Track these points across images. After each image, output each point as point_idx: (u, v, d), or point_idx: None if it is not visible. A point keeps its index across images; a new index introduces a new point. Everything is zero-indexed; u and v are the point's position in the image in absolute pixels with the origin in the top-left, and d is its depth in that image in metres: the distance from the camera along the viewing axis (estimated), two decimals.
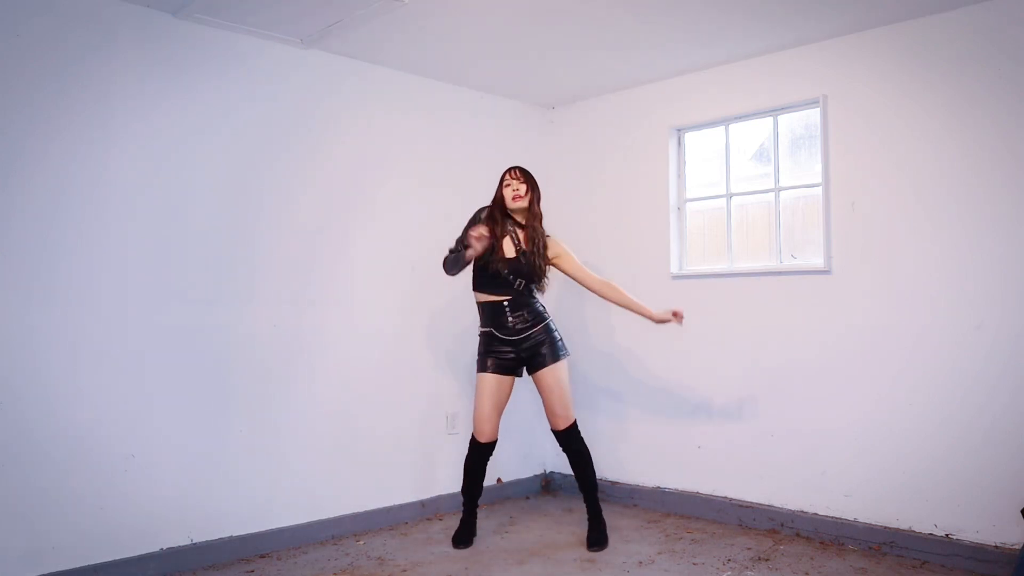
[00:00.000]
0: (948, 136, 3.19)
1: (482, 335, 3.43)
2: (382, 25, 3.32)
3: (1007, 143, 3.04)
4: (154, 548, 3.05)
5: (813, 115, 3.63)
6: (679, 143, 4.17)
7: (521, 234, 3.38)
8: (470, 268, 3.39)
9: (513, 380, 3.44)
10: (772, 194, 3.80)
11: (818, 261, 3.58)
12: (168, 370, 3.13)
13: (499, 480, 4.32)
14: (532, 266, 3.34)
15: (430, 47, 3.63)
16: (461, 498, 3.56)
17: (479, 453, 3.44)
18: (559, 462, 4.56)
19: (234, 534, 3.28)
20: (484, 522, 3.86)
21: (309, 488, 3.53)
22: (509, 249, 3.36)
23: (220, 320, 3.28)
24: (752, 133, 3.93)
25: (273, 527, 3.40)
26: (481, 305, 3.41)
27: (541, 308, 3.42)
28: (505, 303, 3.33)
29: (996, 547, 3.02)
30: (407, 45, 3.60)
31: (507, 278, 3.31)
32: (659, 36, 3.51)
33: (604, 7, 3.17)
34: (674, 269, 4.10)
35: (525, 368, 3.43)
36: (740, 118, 3.90)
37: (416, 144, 4.03)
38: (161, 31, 3.13)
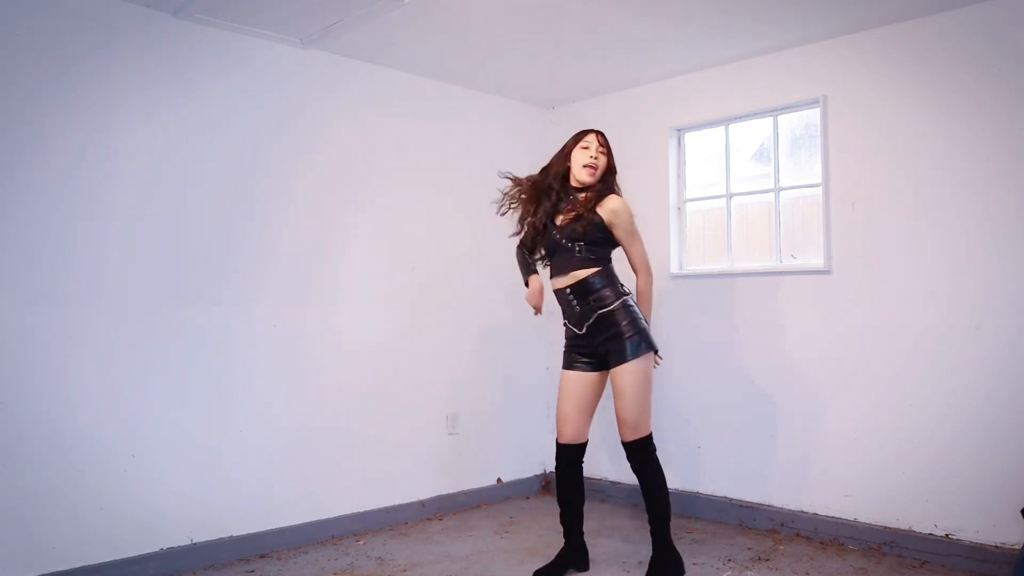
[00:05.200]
0: (948, 136, 3.19)
1: (564, 328, 3.01)
2: (382, 25, 3.32)
3: (1007, 143, 3.04)
4: (154, 548, 3.05)
5: (813, 115, 3.63)
6: (679, 143, 4.17)
7: (582, 197, 2.92)
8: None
9: (602, 377, 2.96)
10: (772, 194, 3.80)
11: (818, 261, 3.58)
12: (168, 370, 3.13)
13: (499, 480, 4.32)
14: (588, 223, 2.82)
15: (430, 47, 3.64)
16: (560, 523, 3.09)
17: (562, 454, 3.01)
18: None
19: (234, 534, 3.28)
20: (484, 522, 3.86)
21: (309, 488, 3.54)
22: (561, 219, 2.91)
23: (220, 320, 3.28)
24: (752, 133, 3.93)
25: (273, 527, 3.40)
26: (553, 293, 2.98)
27: (617, 291, 2.85)
28: (568, 290, 2.88)
29: (996, 547, 3.02)
30: (407, 45, 3.60)
31: (565, 246, 2.86)
32: (659, 36, 3.51)
33: (604, 7, 3.17)
34: (674, 269, 4.10)
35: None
36: (740, 118, 3.90)
37: (416, 144, 4.03)
38: (161, 31, 3.14)
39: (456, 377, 4.16)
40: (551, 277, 2.96)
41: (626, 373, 2.82)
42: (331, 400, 3.64)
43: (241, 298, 3.36)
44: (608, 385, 2.99)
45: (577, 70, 4.01)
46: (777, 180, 3.77)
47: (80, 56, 2.94)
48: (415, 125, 4.03)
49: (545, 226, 2.93)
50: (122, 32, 3.04)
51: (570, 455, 3.02)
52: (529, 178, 3.05)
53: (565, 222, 2.89)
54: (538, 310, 3.09)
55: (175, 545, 3.11)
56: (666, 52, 3.73)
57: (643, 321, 2.88)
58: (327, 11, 3.16)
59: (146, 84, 3.10)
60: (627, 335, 2.82)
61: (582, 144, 2.91)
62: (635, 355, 2.82)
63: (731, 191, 3.97)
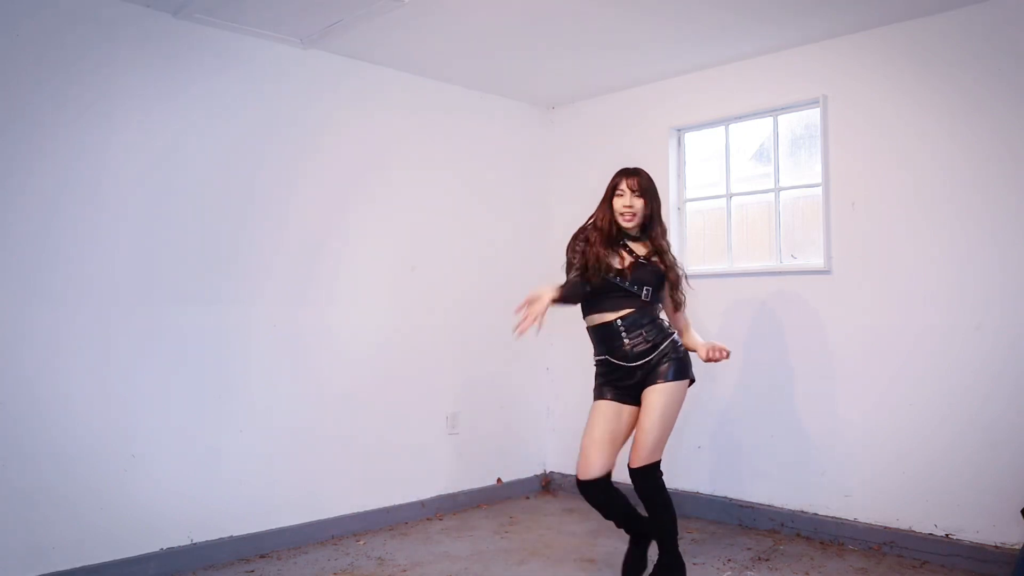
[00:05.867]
0: (948, 136, 3.19)
1: (598, 364, 2.91)
2: (382, 25, 3.32)
3: (1006, 142, 3.04)
4: (154, 548, 3.05)
5: (813, 115, 3.63)
6: (679, 143, 4.17)
7: (637, 245, 2.87)
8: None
9: (635, 411, 2.84)
10: (772, 194, 3.79)
11: (818, 261, 3.58)
12: (168, 370, 3.13)
13: (499, 480, 4.32)
14: (659, 269, 2.84)
15: (430, 47, 3.63)
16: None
17: (590, 493, 2.79)
18: (559, 462, 4.56)
19: (234, 534, 3.28)
20: (484, 522, 3.86)
21: (309, 488, 3.53)
22: (620, 260, 2.83)
23: (220, 320, 3.28)
24: (752, 133, 3.93)
25: (273, 527, 3.40)
26: (592, 330, 2.89)
27: (664, 326, 2.86)
28: (618, 321, 2.78)
29: (996, 547, 3.02)
30: (407, 45, 3.60)
31: (627, 288, 2.78)
32: (659, 36, 3.51)
33: (604, 7, 3.17)
34: None
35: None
36: (740, 118, 3.90)
37: (416, 144, 4.02)
38: (161, 31, 3.13)
39: (456, 377, 4.16)
40: (593, 312, 2.85)
41: (659, 393, 2.78)
42: (331, 400, 3.64)
43: (241, 297, 3.36)
44: None
45: (577, 70, 4.01)
46: (777, 180, 3.77)
47: (80, 56, 2.94)
48: (415, 125, 4.02)
49: (597, 265, 2.80)
50: (122, 32, 3.04)
51: (601, 487, 2.80)
52: (586, 229, 2.91)
53: (628, 266, 2.81)
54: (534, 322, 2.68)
55: (175, 545, 3.11)
56: (666, 52, 3.73)
57: (685, 351, 2.88)
58: (327, 11, 3.16)
59: (146, 84, 3.10)
60: (670, 358, 2.81)
61: (618, 191, 2.85)
62: (673, 378, 2.80)
63: (731, 191, 3.97)
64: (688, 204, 4.14)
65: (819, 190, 3.57)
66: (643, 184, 2.85)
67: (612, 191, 2.88)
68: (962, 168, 3.15)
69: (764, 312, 3.73)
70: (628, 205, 2.82)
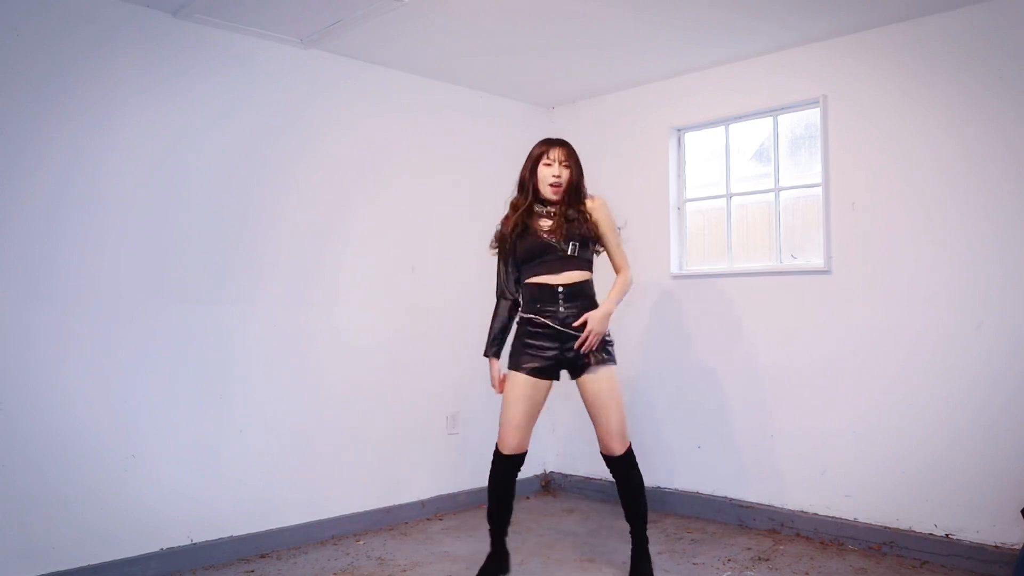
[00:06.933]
0: (948, 136, 3.19)
1: (521, 322, 2.88)
2: (382, 25, 3.32)
3: (1007, 143, 3.04)
4: (154, 548, 3.05)
5: (813, 115, 3.63)
6: (679, 143, 4.17)
7: (554, 210, 2.85)
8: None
9: (550, 385, 2.88)
10: (772, 194, 3.79)
11: (818, 261, 3.58)
12: (168, 370, 3.13)
13: None
14: (579, 225, 2.80)
15: (430, 47, 3.64)
16: (488, 525, 3.02)
17: (504, 466, 2.90)
18: (559, 462, 4.57)
19: (234, 534, 3.28)
20: (484, 522, 3.85)
21: (309, 488, 3.54)
22: (546, 224, 2.83)
23: (220, 320, 3.28)
24: (752, 133, 3.93)
25: (273, 527, 3.40)
26: (528, 287, 2.85)
27: (597, 302, 2.87)
28: (560, 288, 2.78)
29: (996, 547, 3.02)
30: (407, 45, 3.60)
31: (555, 246, 2.78)
32: (659, 36, 3.51)
33: (604, 7, 3.17)
34: (674, 269, 4.10)
35: (568, 372, 2.87)
36: (740, 118, 3.90)
37: (416, 144, 4.02)
38: (161, 31, 3.13)
39: (456, 377, 4.15)
40: (534, 276, 2.83)
41: (610, 378, 2.81)
42: (331, 400, 3.64)
43: (241, 297, 3.36)
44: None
45: (577, 70, 4.01)
46: (777, 180, 3.77)
47: (79, 56, 2.94)
48: (415, 125, 4.03)
49: (522, 231, 2.84)
50: (122, 32, 3.04)
51: (515, 465, 2.92)
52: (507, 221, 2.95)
53: (554, 225, 2.80)
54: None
55: (175, 545, 3.11)
56: (666, 52, 3.73)
57: (609, 334, 2.87)
58: (327, 11, 3.16)
59: (145, 84, 3.10)
60: (606, 340, 2.85)
61: (545, 160, 2.83)
62: (613, 360, 2.84)
63: (731, 191, 3.97)
64: (688, 204, 4.14)
65: (819, 190, 3.57)
66: (570, 154, 2.84)
67: (536, 160, 2.84)
68: (962, 168, 3.15)
69: (764, 312, 3.73)
70: (556, 175, 2.80)
